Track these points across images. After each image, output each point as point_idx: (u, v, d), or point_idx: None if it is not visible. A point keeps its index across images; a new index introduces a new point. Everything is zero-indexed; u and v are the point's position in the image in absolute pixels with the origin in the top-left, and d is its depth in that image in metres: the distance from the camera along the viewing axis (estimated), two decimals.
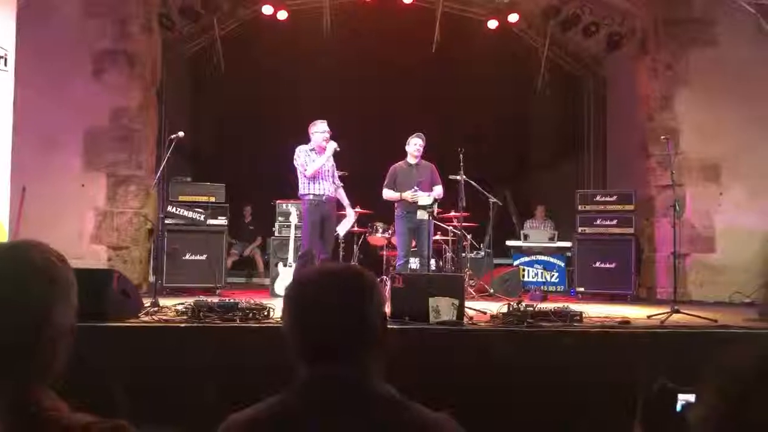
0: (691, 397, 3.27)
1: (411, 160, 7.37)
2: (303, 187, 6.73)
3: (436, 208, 7.23)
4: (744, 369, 0.78)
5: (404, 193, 7.18)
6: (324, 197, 6.68)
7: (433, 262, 7.57)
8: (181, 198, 7.98)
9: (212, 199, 8.05)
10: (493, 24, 10.33)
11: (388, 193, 7.35)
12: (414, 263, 7.29)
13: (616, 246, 8.38)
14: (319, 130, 6.75)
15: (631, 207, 8.46)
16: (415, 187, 7.14)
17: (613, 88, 11.29)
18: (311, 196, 6.66)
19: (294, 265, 7.39)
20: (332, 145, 6.67)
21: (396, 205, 7.35)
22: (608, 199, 8.60)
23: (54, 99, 7.87)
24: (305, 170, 6.61)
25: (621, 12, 9.95)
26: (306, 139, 6.88)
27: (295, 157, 6.72)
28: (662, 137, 7.08)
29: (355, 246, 8.79)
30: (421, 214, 7.07)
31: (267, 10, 9.79)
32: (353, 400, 1.30)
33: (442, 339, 4.70)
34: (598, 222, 8.53)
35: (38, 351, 1.19)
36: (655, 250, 8.64)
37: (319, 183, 6.68)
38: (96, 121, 8.09)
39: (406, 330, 4.67)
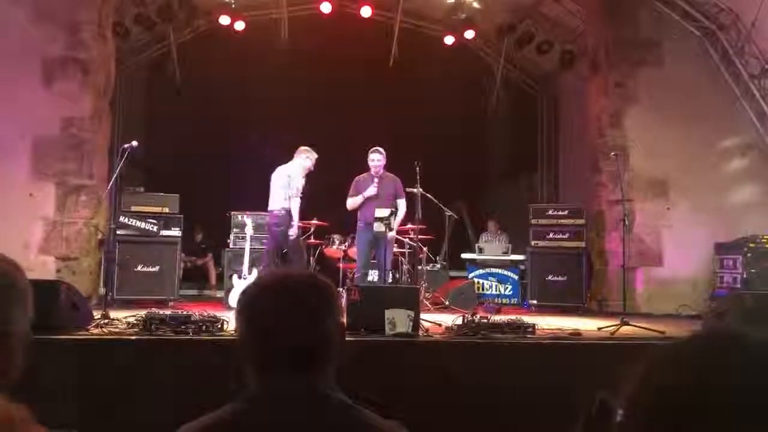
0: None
1: (374, 173, 7.36)
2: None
3: (393, 221, 7.21)
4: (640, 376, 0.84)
5: (365, 192, 7.17)
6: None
7: (389, 274, 7.58)
8: (134, 208, 7.82)
9: (165, 210, 7.91)
10: (449, 40, 10.48)
11: (351, 202, 7.33)
12: (372, 275, 7.28)
13: (568, 259, 8.56)
14: (312, 158, 7.48)
15: (582, 221, 8.66)
16: (375, 180, 7.18)
17: (565, 106, 11.58)
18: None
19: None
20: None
21: (358, 217, 7.34)
22: (560, 213, 8.78)
23: (1, 106, 7.66)
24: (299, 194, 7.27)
25: (573, 31, 10.23)
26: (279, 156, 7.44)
27: (298, 176, 7.29)
28: (612, 154, 7.27)
29: (311, 258, 8.76)
30: (378, 227, 7.08)
31: (224, 20, 9.73)
32: (305, 408, 1.31)
33: (398, 350, 4.72)
34: (551, 236, 8.69)
35: None
36: (605, 264, 8.84)
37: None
38: (45, 130, 7.89)
39: (362, 341, 4.68)
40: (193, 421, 1.30)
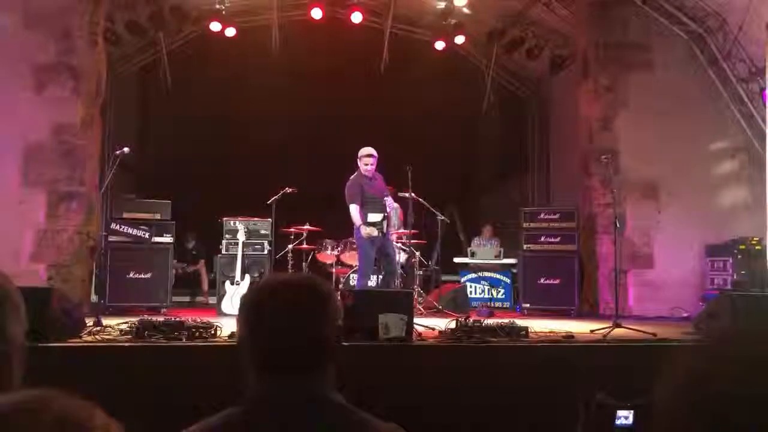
0: (628, 413, 3.35)
1: (367, 174, 7.26)
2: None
3: (386, 225, 7.17)
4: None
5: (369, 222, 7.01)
6: None
7: (380, 278, 7.50)
8: (126, 215, 7.80)
9: (157, 216, 7.89)
10: (440, 45, 10.52)
11: (356, 211, 7.04)
12: (371, 281, 7.22)
13: (560, 263, 8.59)
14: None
15: (573, 225, 8.70)
16: (387, 194, 7.12)
17: (555, 109, 11.63)
18: None
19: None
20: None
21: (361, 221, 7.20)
22: (552, 216, 8.82)
23: None
24: None
25: (563, 35, 10.29)
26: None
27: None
28: (602, 157, 7.30)
29: (303, 263, 8.76)
30: (371, 231, 7.05)
31: (215, 26, 9.73)
32: (305, 410, 1.32)
33: (392, 354, 4.72)
34: (543, 239, 8.72)
35: None
36: (597, 267, 8.86)
37: None
38: (36, 137, 7.85)
39: (356, 346, 4.68)
40: (195, 425, 1.31)
